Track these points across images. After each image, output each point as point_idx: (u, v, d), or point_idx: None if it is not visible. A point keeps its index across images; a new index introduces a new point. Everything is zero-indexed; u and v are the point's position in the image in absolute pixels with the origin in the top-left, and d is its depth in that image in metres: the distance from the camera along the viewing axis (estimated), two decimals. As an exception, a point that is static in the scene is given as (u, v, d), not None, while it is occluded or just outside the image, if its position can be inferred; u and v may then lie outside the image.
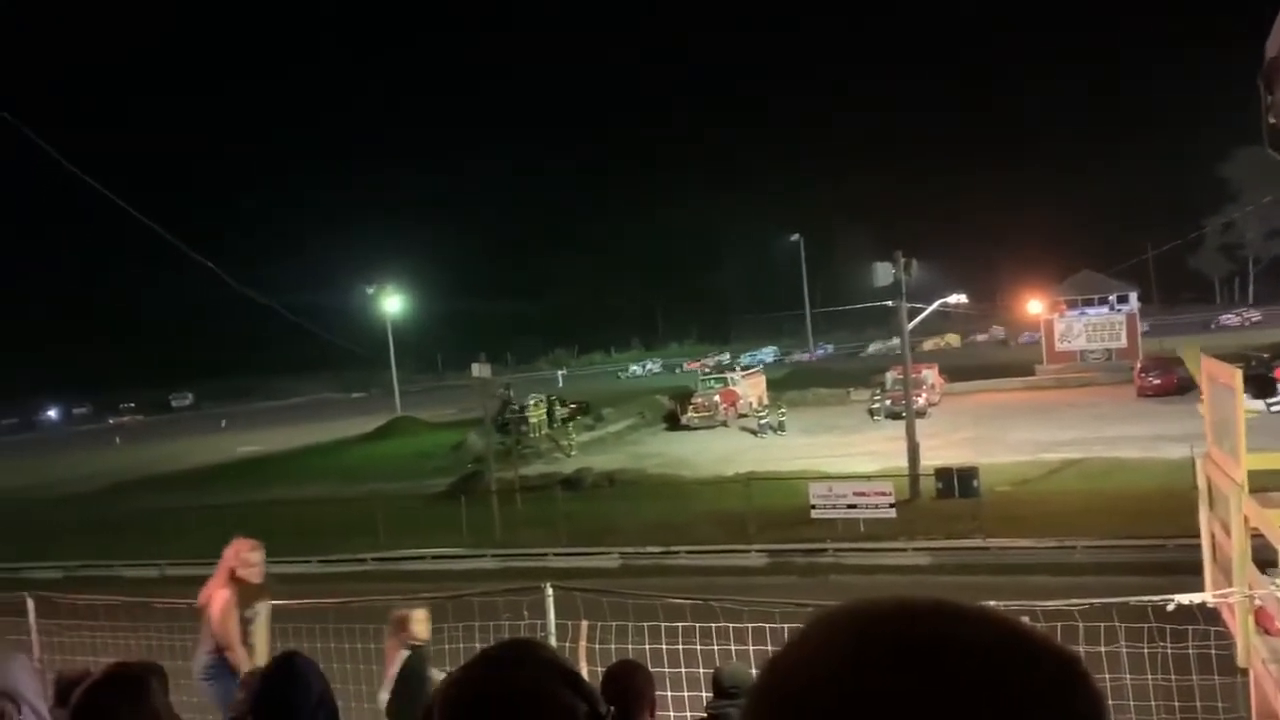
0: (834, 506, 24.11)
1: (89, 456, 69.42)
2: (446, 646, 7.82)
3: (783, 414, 44.89)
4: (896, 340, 36.59)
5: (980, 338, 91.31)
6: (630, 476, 34.69)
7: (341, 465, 47.21)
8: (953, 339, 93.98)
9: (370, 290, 77.82)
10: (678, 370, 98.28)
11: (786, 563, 22.63)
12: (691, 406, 48.61)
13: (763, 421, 44.56)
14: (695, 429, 46.67)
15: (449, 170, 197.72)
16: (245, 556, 7.13)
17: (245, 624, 6.96)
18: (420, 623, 6.91)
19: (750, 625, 7.72)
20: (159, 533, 30.08)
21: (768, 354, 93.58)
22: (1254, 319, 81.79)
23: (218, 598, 6.88)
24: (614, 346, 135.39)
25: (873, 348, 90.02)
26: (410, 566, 24.86)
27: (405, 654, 6.63)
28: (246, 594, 7.02)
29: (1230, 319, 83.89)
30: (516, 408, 47.84)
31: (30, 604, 8.20)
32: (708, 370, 61.84)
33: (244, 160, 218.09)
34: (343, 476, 42.47)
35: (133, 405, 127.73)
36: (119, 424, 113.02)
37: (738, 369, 57.20)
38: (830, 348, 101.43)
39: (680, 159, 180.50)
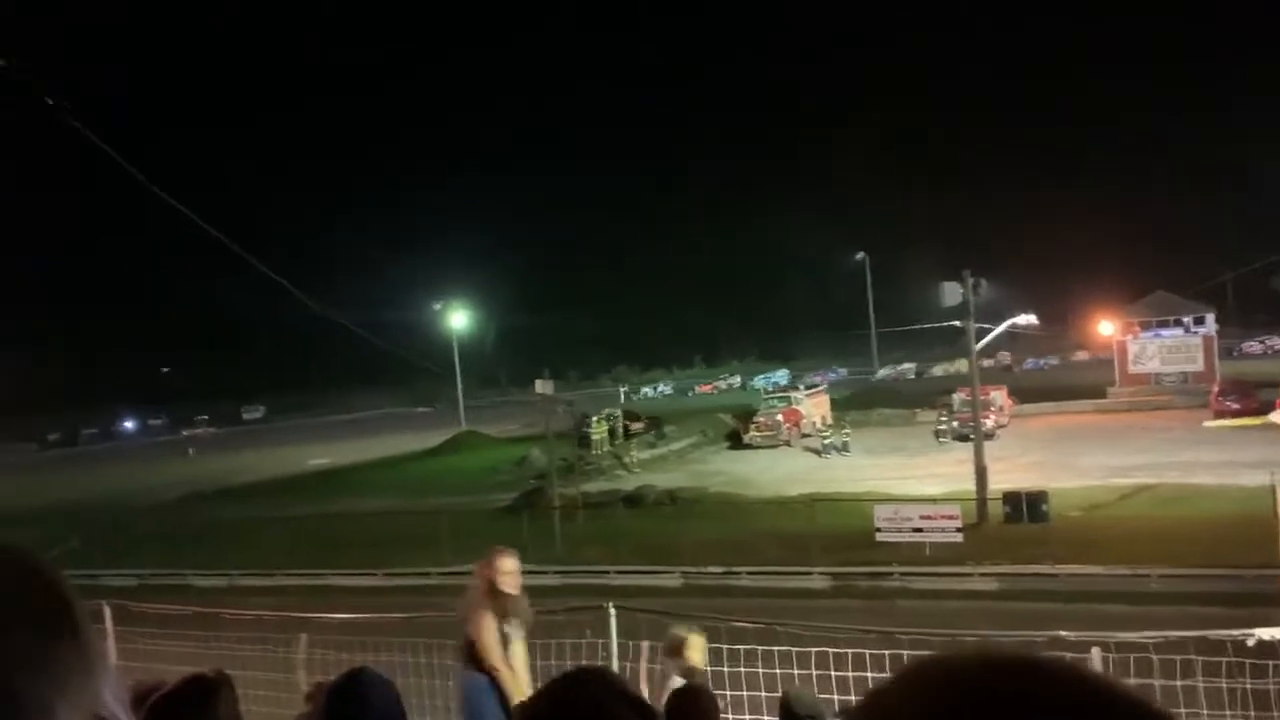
0: (899, 530, 23.79)
1: (163, 467, 71.22)
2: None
3: (847, 434, 44.49)
4: (938, 363, 36.02)
5: (1028, 363, 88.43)
6: (692, 495, 34.60)
7: (407, 479, 47.83)
8: (962, 364, 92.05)
9: (437, 307, 79.01)
10: (690, 393, 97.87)
11: (850, 586, 22.36)
12: (754, 425, 48.40)
13: (826, 441, 44.18)
14: (758, 448, 46.44)
15: (516, 188, 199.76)
16: (500, 564, 6.45)
17: (504, 640, 6.40)
18: (697, 650, 6.04)
19: (813, 650, 7.66)
20: (229, 543, 30.79)
21: (833, 374, 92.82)
22: None
23: (477, 615, 6.32)
24: (676, 364, 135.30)
25: (938, 369, 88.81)
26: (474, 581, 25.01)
27: (677, 683, 5.42)
28: (503, 607, 6.41)
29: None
30: (590, 422, 48.96)
31: (107, 612, 8.43)
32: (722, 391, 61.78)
33: (318, 178, 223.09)
34: (408, 490, 43.02)
35: (206, 417, 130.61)
36: (192, 435, 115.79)
37: (801, 388, 56.88)
38: (910, 366, 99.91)
39: (746, 176, 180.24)
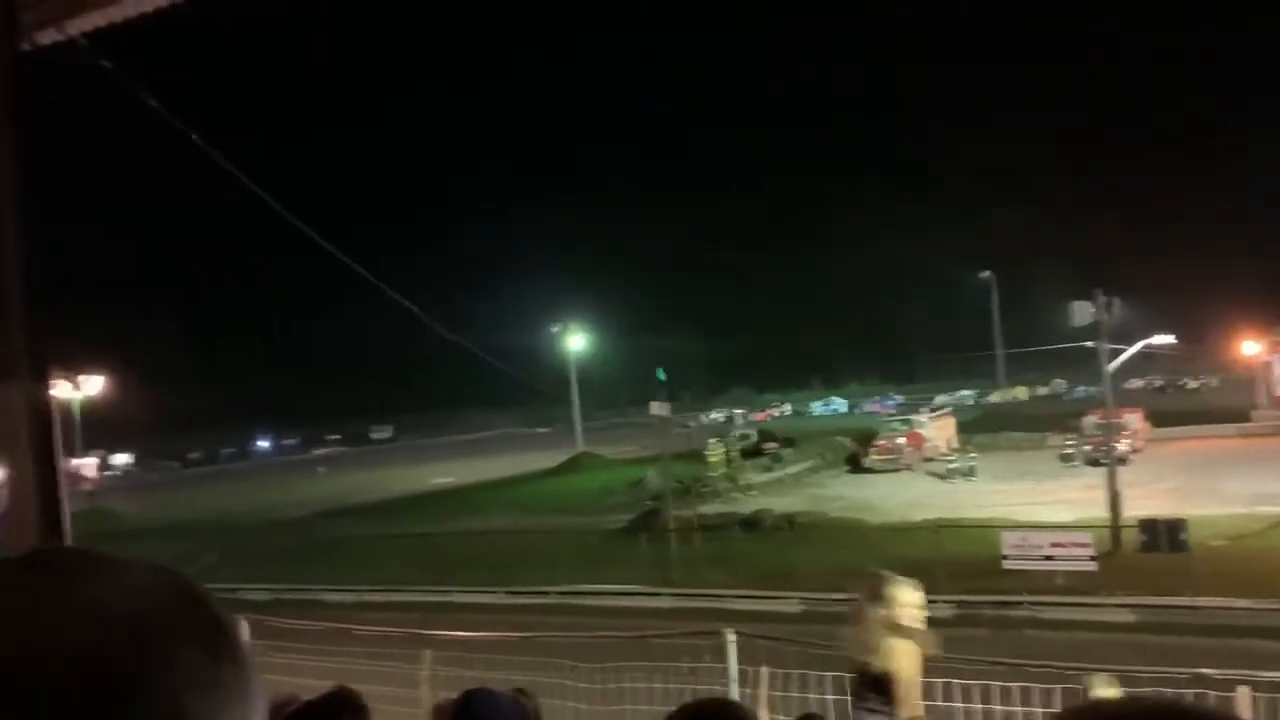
0: (1028, 557, 23.00)
1: (296, 485, 73.98)
2: (628, 685, 7.91)
3: (973, 459, 43.25)
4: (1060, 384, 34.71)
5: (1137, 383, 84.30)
6: (810, 519, 34.14)
7: (526, 498, 48.51)
8: (1020, 392, 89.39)
9: (555, 329, 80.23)
10: (735, 419, 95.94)
11: (976, 615, 21.67)
12: (875, 449, 47.53)
13: (951, 466, 43.10)
14: (879, 472, 45.55)
15: (634, 210, 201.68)
16: (900, 595, 5.59)
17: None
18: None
19: (939, 681, 7.46)
20: (357, 559, 31.74)
21: (955, 396, 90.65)
22: None
23: (896, 651, 5.31)
24: (793, 386, 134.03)
25: (1077, 390, 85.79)
26: (591, 601, 25.20)
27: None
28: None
29: None
30: (739, 436, 49.70)
31: (245, 627, 8.78)
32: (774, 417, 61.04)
33: (441, 202, 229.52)
34: (527, 509, 43.63)
35: (337, 437, 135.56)
36: (323, 455, 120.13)
37: (924, 411, 55.68)
38: (1069, 385, 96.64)
39: (865, 195, 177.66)
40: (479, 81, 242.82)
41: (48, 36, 5.19)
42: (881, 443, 47.82)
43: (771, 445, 53.37)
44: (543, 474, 60.38)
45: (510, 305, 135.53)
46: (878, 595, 5.48)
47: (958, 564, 23.74)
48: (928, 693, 7.42)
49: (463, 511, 45.04)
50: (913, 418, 52.38)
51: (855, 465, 48.59)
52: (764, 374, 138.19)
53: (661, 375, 38.63)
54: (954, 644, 13.96)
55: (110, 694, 0.59)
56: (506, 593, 26.46)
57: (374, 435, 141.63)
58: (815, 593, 23.54)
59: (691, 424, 48.18)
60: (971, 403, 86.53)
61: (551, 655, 8.24)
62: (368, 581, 28.86)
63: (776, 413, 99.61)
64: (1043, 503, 32.29)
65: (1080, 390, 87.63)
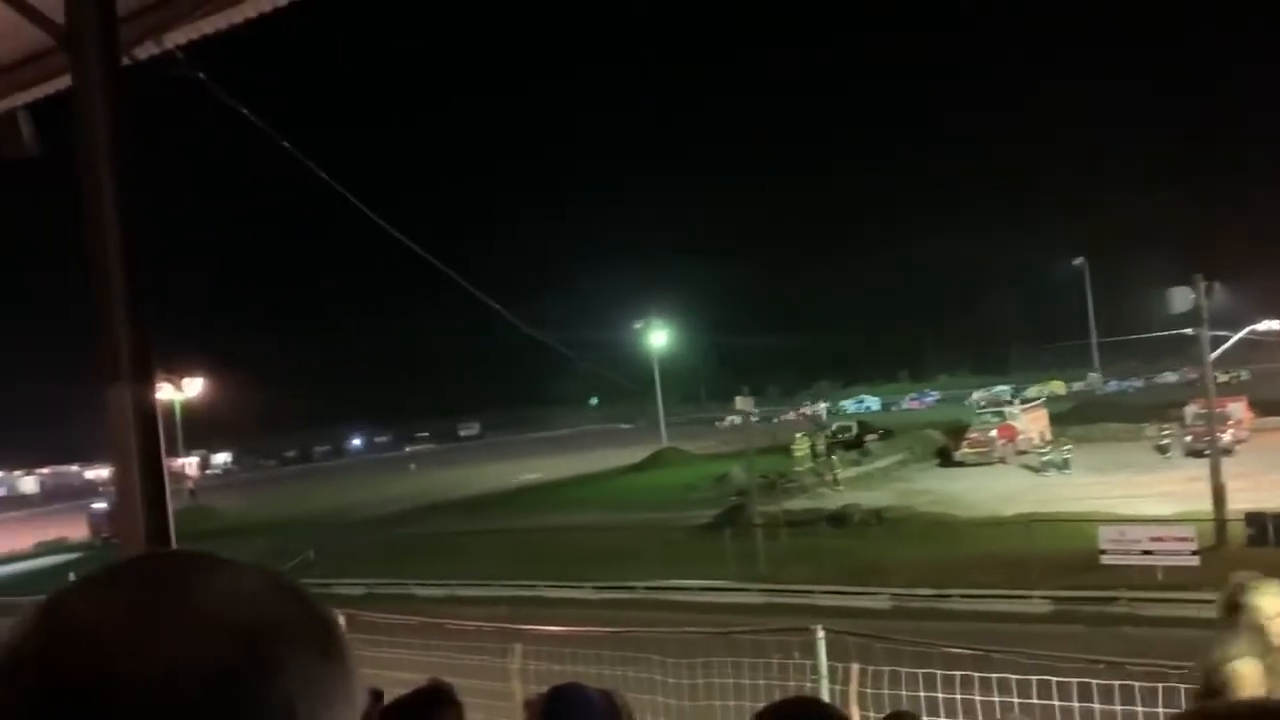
0: (1127, 552, 22.31)
1: (387, 482, 75.57)
2: (717, 681, 7.90)
3: (1068, 451, 42.14)
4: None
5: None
6: (899, 514, 33.65)
7: (610, 494, 48.80)
8: (1058, 385, 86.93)
9: (637, 326, 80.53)
10: (772, 419, 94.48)
11: (1073, 611, 21.14)
12: (966, 442, 46.63)
13: (1045, 459, 42.09)
14: (970, 466, 44.68)
15: (713, 204, 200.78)
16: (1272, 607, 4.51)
17: None
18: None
19: (1034, 678, 7.29)
20: (447, 554, 32.31)
21: (1011, 389, 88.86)
22: None
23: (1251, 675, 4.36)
24: (880, 379, 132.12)
25: (1170, 377, 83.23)
26: (678, 597, 25.25)
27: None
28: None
29: None
30: (831, 431, 49.59)
31: (340, 620, 8.99)
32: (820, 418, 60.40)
33: (526, 198, 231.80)
34: (611, 505, 43.89)
35: (426, 434, 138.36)
36: (413, 452, 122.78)
37: (1017, 402, 54.48)
38: (1104, 379, 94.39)
39: (952, 180, 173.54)
40: (563, 77, 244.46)
41: (146, 50, 5.38)
42: (973, 435, 46.92)
43: (871, 436, 53.60)
44: (626, 470, 60.67)
45: (594, 302, 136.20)
46: (1237, 604, 4.60)
47: (1052, 559, 23.19)
48: (1023, 690, 7.26)
49: (548, 507, 45.50)
50: (1005, 409, 51.21)
51: (945, 459, 47.76)
52: (850, 368, 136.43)
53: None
54: (1051, 641, 13.65)
55: (228, 700, 0.60)
56: (593, 588, 26.66)
57: (462, 432, 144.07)
58: (904, 588, 23.24)
59: (745, 418, 47.80)
60: (1009, 397, 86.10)
61: (640, 650, 8.27)
62: (458, 576, 29.35)
63: (809, 411, 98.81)
64: (1141, 496, 31.30)
65: (1113, 384, 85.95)
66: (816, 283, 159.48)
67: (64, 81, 5.48)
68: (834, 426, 56.57)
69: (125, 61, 4.85)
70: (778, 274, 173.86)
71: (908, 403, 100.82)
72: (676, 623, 18.07)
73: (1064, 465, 40.98)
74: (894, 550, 26.22)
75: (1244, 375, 73.13)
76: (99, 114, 4.49)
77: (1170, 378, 79.72)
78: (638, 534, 30.52)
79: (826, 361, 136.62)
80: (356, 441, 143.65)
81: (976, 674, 7.36)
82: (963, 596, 22.39)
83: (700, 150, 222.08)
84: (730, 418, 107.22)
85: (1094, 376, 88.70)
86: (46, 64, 5.60)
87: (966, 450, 46.15)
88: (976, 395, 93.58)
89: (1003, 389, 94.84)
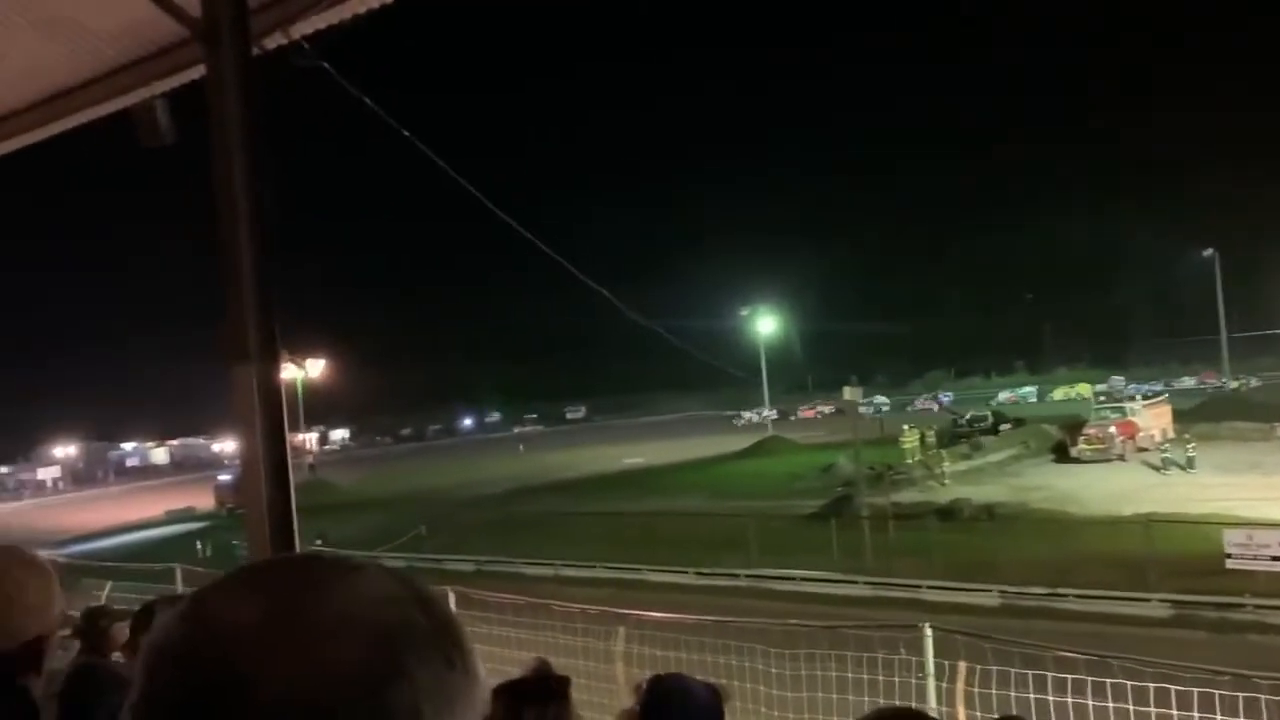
0: (1255, 557, 21.26)
1: (496, 461, 77.04)
2: (819, 673, 7.84)
3: (1192, 449, 40.36)
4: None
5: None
6: (1011, 510, 32.75)
7: (714, 481, 48.75)
8: (1084, 389, 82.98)
9: (744, 312, 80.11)
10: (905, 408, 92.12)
11: (1194, 616, 20.27)
12: (1083, 438, 45.06)
13: (1166, 456, 40.42)
14: (1086, 462, 43.20)
15: (823, 190, 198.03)
16: None
17: None
18: None
19: (1152, 685, 7.03)
20: (553, 535, 32.79)
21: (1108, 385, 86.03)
22: None
23: None
24: (994, 370, 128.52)
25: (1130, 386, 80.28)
26: (781, 586, 25.12)
27: None
28: None
29: None
30: (964, 421, 52.31)
31: (451, 598, 9.21)
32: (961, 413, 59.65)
33: (639, 186, 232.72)
34: (715, 492, 43.85)
35: (534, 416, 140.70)
36: (522, 433, 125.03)
37: (1138, 398, 52.45)
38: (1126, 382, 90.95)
39: (1078, 163, 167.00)
40: (667, 57, 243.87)
41: (274, 41, 5.58)
42: (1090, 431, 45.31)
43: (1005, 426, 53.34)
44: (731, 457, 60.51)
45: (701, 287, 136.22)
46: None
47: (1173, 562, 22.25)
48: (1139, 698, 7.01)
49: (653, 492, 45.71)
50: (1126, 405, 49.31)
51: (1061, 454, 46.27)
52: (963, 357, 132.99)
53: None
54: (1169, 647, 13.15)
55: (359, 702, 0.62)
56: (696, 573, 26.71)
57: (569, 415, 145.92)
58: (1015, 586, 22.63)
59: (882, 411, 47.51)
60: (1067, 396, 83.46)
61: (743, 639, 8.26)
62: (564, 556, 29.76)
63: (947, 400, 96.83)
64: (1271, 499, 29.77)
65: (1132, 387, 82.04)
66: (930, 268, 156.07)
67: (198, 72, 5.71)
68: (968, 416, 56.47)
69: (255, 52, 5.04)
70: (889, 259, 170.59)
71: (920, 403, 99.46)
72: (778, 611, 17.98)
73: (1188, 464, 39.27)
74: (1004, 546, 25.51)
75: None
76: (232, 103, 4.68)
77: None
78: (740, 521, 30.37)
79: (939, 350, 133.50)
80: (467, 421, 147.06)
81: (1090, 678, 7.14)
82: (1077, 596, 21.70)
83: (813, 131, 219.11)
84: (748, 414, 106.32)
85: (1116, 380, 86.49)
86: (182, 55, 5.85)
87: (1083, 446, 44.61)
88: (1003, 396, 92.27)
89: (1029, 389, 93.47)
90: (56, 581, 1.89)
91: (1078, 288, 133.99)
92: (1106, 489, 35.55)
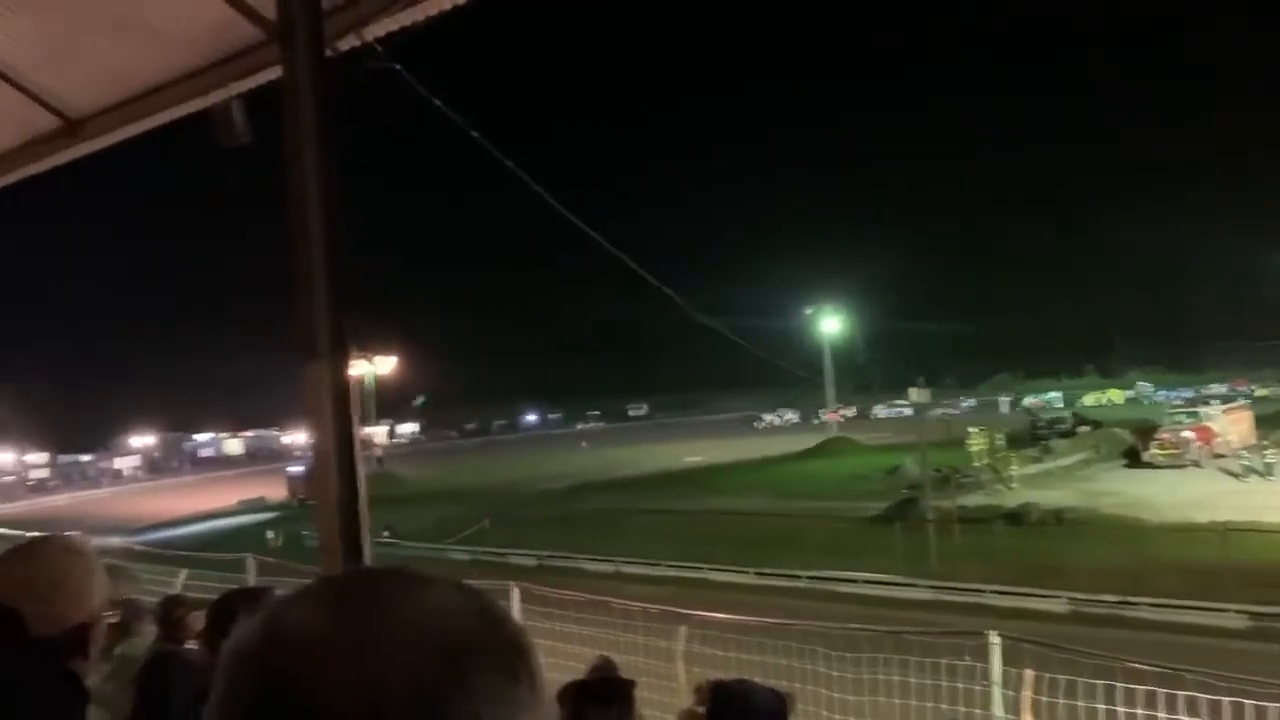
0: (1339, 569, 20.58)
1: (559, 457, 77.52)
2: (882, 677, 7.76)
3: (1273, 455, 39.14)
4: None
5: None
6: (1080, 515, 32.07)
7: (776, 481, 48.49)
8: (1115, 395, 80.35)
9: (808, 311, 79.48)
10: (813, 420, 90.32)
11: (1273, 628, 19.65)
12: (1157, 443, 43.95)
13: (1245, 463, 39.24)
14: (1160, 468, 42.11)
15: (888, 188, 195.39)
16: None
17: None
18: None
19: (1226, 699, 6.83)
20: (614, 531, 32.90)
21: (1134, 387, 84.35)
22: None
23: None
24: (1064, 373, 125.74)
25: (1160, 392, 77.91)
26: (843, 588, 24.90)
27: None
28: None
29: None
30: (1044, 423, 52.21)
31: (515, 593, 9.31)
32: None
33: (695, 182, 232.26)
34: (777, 492, 43.61)
35: (597, 413, 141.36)
36: (584, 429, 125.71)
37: (1215, 403, 51.05)
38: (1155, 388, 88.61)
39: (1155, 161, 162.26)
40: (731, 48, 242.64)
41: (347, 43, 5.68)
42: (1164, 436, 44.17)
43: (1084, 428, 52.70)
44: (794, 457, 60.13)
45: (765, 287, 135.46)
46: None
47: (1251, 571, 21.60)
48: (1213, 713, 6.81)
49: (714, 490, 45.63)
50: (1202, 409, 47.99)
51: (1134, 459, 45.17)
52: (1032, 360, 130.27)
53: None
54: (1247, 660, 12.76)
55: (418, 715, 0.63)
56: (756, 573, 26.60)
57: (631, 412, 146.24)
58: (1084, 593, 22.16)
59: (948, 415, 47.14)
60: (1098, 401, 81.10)
61: (805, 641, 8.20)
62: (624, 553, 29.84)
63: (1037, 401, 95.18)
64: (1359, 508, 28.76)
65: (1162, 394, 79.75)
66: (1001, 268, 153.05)
67: (273, 73, 5.84)
68: (1048, 418, 56.09)
69: (328, 54, 5.14)
70: (957, 260, 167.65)
71: (881, 411, 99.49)
72: (840, 614, 17.84)
73: (1268, 470, 38.10)
74: (1074, 552, 25.01)
75: None
76: (306, 103, 4.78)
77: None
78: (803, 522, 30.19)
79: (1007, 353, 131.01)
80: (531, 417, 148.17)
81: (1161, 690, 6.96)
82: (1149, 605, 21.16)
83: (882, 127, 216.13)
84: (769, 417, 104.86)
85: (1143, 385, 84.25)
86: (258, 57, 5.99)
87: (1156, 451, 43.51)
88: (1029, 401, 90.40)
89: (1055, 394, 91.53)
90: (101, 569, 1.96)
91: (1152, 289, 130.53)
92: (1181, 495, 34.64)
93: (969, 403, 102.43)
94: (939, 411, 60.97)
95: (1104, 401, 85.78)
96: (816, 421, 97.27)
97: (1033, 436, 51.56)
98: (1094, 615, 21.13)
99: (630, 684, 3.05)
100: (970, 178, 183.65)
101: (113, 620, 1.85)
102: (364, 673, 0.64)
